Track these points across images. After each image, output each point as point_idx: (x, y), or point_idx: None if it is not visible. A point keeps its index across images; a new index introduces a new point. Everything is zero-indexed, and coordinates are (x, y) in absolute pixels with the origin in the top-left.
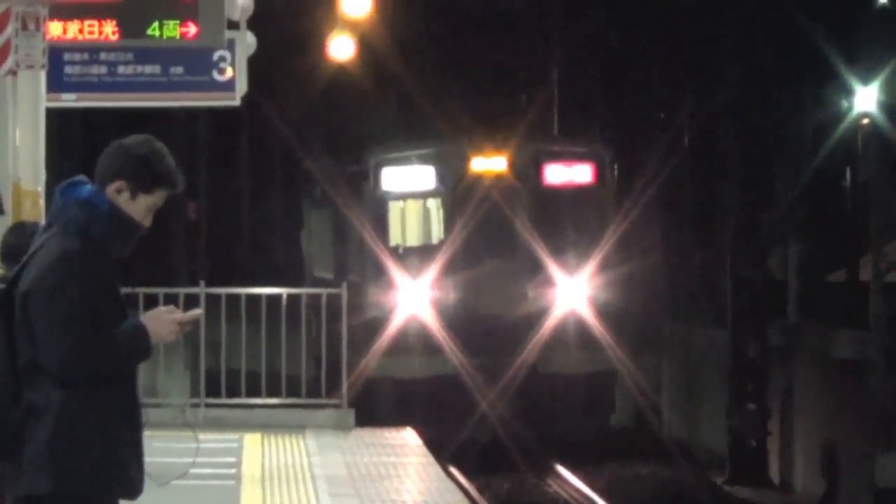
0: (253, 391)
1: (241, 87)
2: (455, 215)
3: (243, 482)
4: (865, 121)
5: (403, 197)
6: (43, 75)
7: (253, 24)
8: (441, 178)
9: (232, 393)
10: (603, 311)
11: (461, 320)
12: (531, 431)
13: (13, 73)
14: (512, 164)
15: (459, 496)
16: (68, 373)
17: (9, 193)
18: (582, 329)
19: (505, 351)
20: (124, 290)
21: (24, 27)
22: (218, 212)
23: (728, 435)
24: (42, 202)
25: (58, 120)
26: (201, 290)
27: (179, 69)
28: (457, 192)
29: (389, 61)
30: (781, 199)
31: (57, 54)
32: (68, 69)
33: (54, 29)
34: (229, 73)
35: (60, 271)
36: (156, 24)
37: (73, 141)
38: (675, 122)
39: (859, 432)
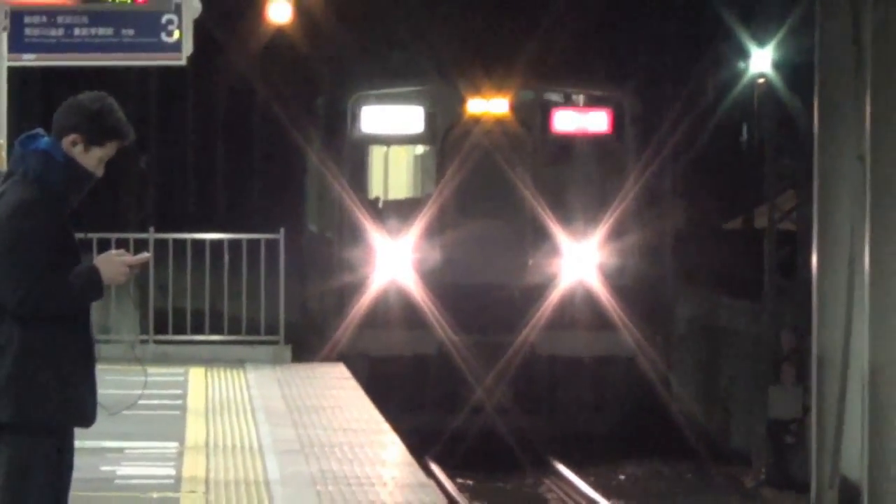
0: (197, 329)
1: (188, 47)
2: (446, 165)
3: (188, 412)
4: (761, 80)
5: (386, 141)
6: (4, 37)
7: None
8: (431, 120)
9: (178, 330)
10: (616, 284)
11: (449, 289)
12: (529, 424)
13: None
14: (515, 108)
15: (386, 426)
16: (27, 310)
17: None
18: (591, 304)
19: (500, 328)
20: (78, 236)
21: None
22: (166, 161)
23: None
24: (3, 154)
25: (17, 76)
26: (150, 235)
27: (131, 31)
28: (449, 137)
29: (326, 24)
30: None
31: (17, 17)
32: (28, 31)
33: None
34: (176, 35)
35: (19, 217)
36: None
37: (31, 98)
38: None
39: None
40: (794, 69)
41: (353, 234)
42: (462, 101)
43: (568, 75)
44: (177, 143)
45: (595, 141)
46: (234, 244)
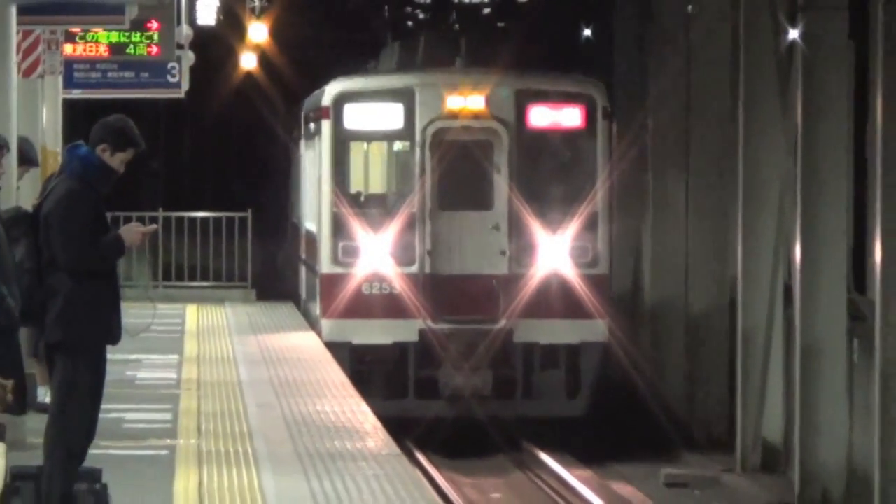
0: (191, 278)
1: (185, 85)
2: (425, 160)
3: (185, 335)
4: None
5: (367, 137)
6: (60, 78)
7: (192, 46)
8: (410, 117)
9: (178, 278)
10: (589, 274)
11: (428, 280)
12: (507, 410)
13: (42, 76)
14: (491, 104)
15: (317, 340)
16: (72, 265)
17: (40, 152)
18: (566, 293)
19: (478, 316)
20: (108, 213)
21: (49, 48)
22: (170, 163)
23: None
24: (59, 158)
25: (68, 105)
26: (160, 214)
27: (146, 74)
28: (427, 133)
29: (284, 69)
30: None
31: (69, 65)
32: (76, 74)
33: (68, 49)
34: (177, 77)
35: (67, 202)
36: (132, 46)
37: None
38: None
39: None
40: None
41: (336, 228)
42: (440, 98)
43: (542, 72)
44: (177, 150)
45: (569, 135)
46: (217, 220)
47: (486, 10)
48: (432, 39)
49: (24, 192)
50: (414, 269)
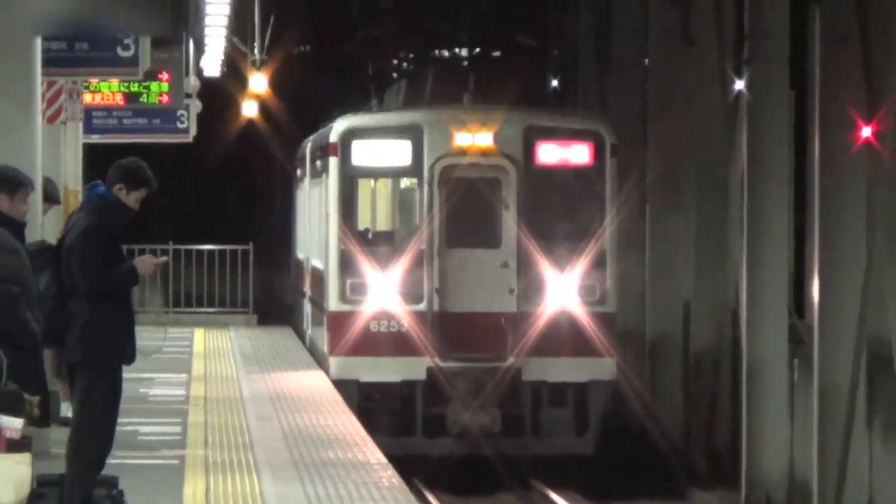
0: (199, 304)
1: (193, 130)
2: (433, 197)
3: (193, 356)
4: None
5: (375, 174)
6: (80, 124)
7: (199, 95)
8: (418, 154)
9: (187, 304)
10: (597, 311)
11: (437, 318)
12: (515, 448)
13: (64, 123)
14: (499, 141)
15: (312, 362)
16: (91, 292)
17: (62, 191)
18: (575, 331)
19: (486, 354)
20: (124, 246)
21: (70, 97)
22: (179, 200)
23: None
24: (80, 196)
25: (88, 149)
26: (170, 246)
27: (157, 121)
28: (436, 170)
29: (280, 115)
30: None
31: (88, 113)
32: (95, 121)
33: (87, 98)
34: (186, 123)
35: (86, 235)
36: (145, 94)
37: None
38: None
39: None
40: None
41: (344, 265)
42: (449, 135)
43: (550, 109)
44: (185, 188)
45: (577, 172)
46: (221, 252)
47: (464, 63)
48: (439, 76)
49: (48, 228)
50: (422, 306)
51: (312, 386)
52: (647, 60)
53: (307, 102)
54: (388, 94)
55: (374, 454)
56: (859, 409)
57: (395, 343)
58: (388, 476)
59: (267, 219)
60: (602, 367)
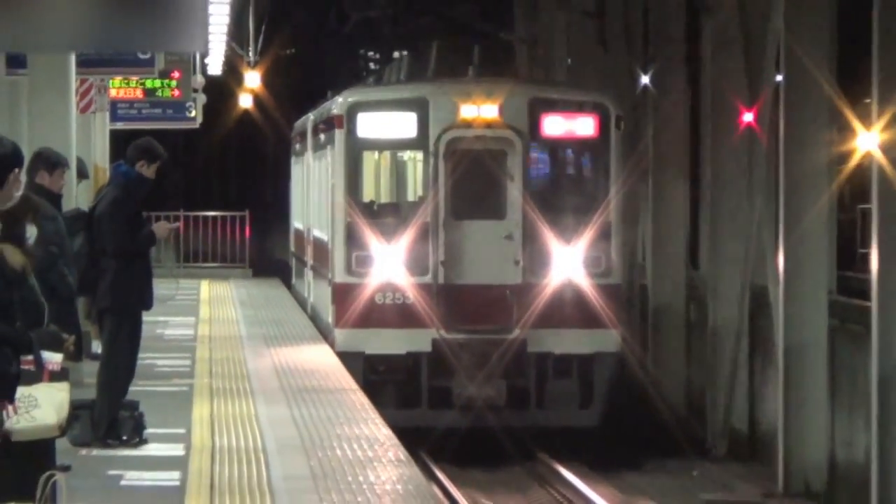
0: (205, 260)
1: (199, 119)
2: (438, 169)
3: (200, 302)
4: None
5: (380, 147)
6: (107, 114)
7: (204, 89)
8: (424, 126)
9: (195, 260)
10: (602, 283)
11: (442, 290)
12: (520, 420)
13: (94, 113)
14: (505, 113)
15: (293, 301)
16: (118, 252)
17: (92, 169)
18: (580, 303)
19: (491, 326)
20: (144, 214)
21: (99, 91)
22: (188, 176)
23: None
24: (108, 174)
25: (113, 134)
26: (181, 213)
27: (170, 110)
28: (441, 142)
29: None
30: None
31: (113, 105)
32: (119, 111)
33: (113, 92)
34: (193, 112)
35: (113, 205)
36: (161, 89)
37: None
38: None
39: None
40: None
41: (350, 237)
42: (454, 107)
43: (555, 81)
44: (193, 167)
45: (583, 144)
46: (223, 218)
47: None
48: (444, 49)
49: (80, 198)
50: (427, 278)
51: (299, 326)
52: (569, 60)
53: (294, 94)
54: (387, 71)
55: (347, 382)
56: (742, 347)
57: (400, 315)
58: (359, 399)
59: (260, 191)
60: (607, 339)
